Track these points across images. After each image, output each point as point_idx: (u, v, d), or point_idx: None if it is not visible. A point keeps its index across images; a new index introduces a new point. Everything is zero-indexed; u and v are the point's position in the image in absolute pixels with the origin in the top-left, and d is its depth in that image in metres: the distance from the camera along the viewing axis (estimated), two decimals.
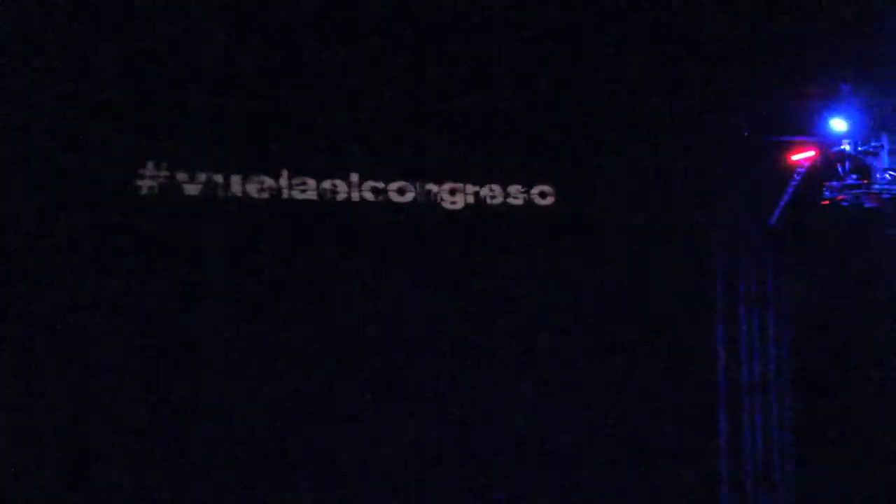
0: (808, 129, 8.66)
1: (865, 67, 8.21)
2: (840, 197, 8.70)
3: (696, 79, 8.48)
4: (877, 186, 8.58)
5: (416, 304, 8.97)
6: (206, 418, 8.85)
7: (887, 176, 8.55)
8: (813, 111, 8.60)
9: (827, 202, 8.76)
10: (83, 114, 8.22)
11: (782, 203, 8.96)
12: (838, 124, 8.53)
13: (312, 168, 8.60)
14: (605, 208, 8.94)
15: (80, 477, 8.57)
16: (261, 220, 8.60)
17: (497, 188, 8.82)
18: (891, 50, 7.96)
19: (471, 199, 8.81)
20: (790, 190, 8.89)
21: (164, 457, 8.74)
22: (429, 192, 8.79)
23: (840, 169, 8.70)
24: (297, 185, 8.57)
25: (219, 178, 8.45)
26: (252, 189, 8.50)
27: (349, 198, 8.63)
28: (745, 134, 8.70)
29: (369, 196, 8.69)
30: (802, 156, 8.70)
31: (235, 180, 8.48)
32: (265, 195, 8.51)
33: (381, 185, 8.72)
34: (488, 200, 8.83)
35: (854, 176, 8.65)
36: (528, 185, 8.84)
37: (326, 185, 8.62)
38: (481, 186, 8.81)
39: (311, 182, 8.60)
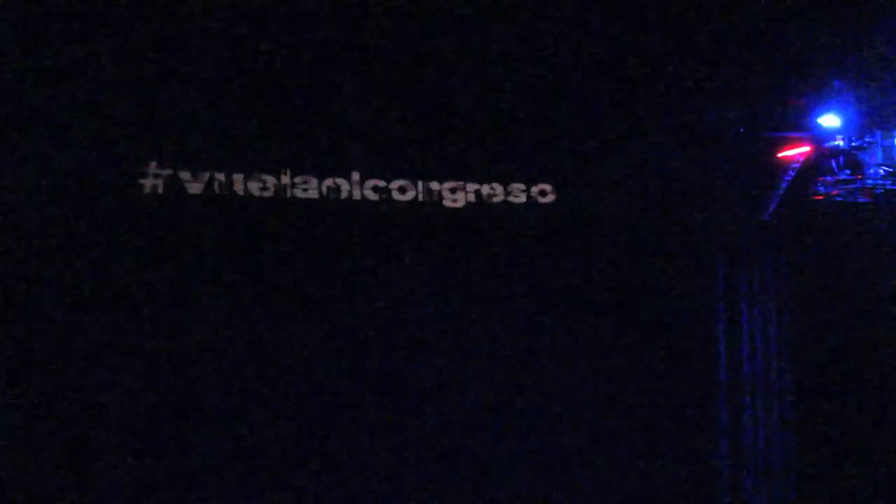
0: (801, 125, 8.81)
1: (858, 65, 8.43)
2: (834, 192, 8.90)
3: (693, 77, 8.60)
4: (870, 181, 8.79)
5: (419, 300, 9.04)
6: (208, 417, 8.81)
7: (880, 171, 8.76)
8: (806, 108, 8.76)
9: (821, 197, 8.97)
10: (86, 114, 8.17)
11: (777, 198, 9.09)
12: (831, 120, 8.69)
13: (315, 167, 8.61)
14: (603, 205, 9.02)
15: (81, 476, 8.50)
16: (264, 219, 8.59)
17: (498, 186, 8.89)
18: (883, 47, 8.21)
19: (472, 198, 8.86)
20: (784, 185, 9.02)
21: (165, 456, 8.69)
22: (430, 190, 8.82)
23: (833, 164, 8.88)
24: (300, 183, 8.59)
25: (221, 177, 8.42)
26: (255, 187, 8.50)
27: (351, 196, 8.65)
28: (741, 130, 8.85)
29: (371, 195, 8.72)
30: (797, 151, 8.85)
31: (238, 179, 8.45)
32: (268, 193, 8.52)
33: (382, 183, 8.74)
34: (489, 199, 8.90)
35: (847, 171, 8.84)
36: (528, 184, 8.91)
37: (329, 183, 8.63)
38: (482, 185, 8.88)
39: (314, 181, 8.61)
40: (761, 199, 9.05)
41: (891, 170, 8.72)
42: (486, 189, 8.89)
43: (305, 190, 8.59)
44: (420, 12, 8.17)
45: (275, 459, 8.97)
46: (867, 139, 8.73)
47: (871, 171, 8.77)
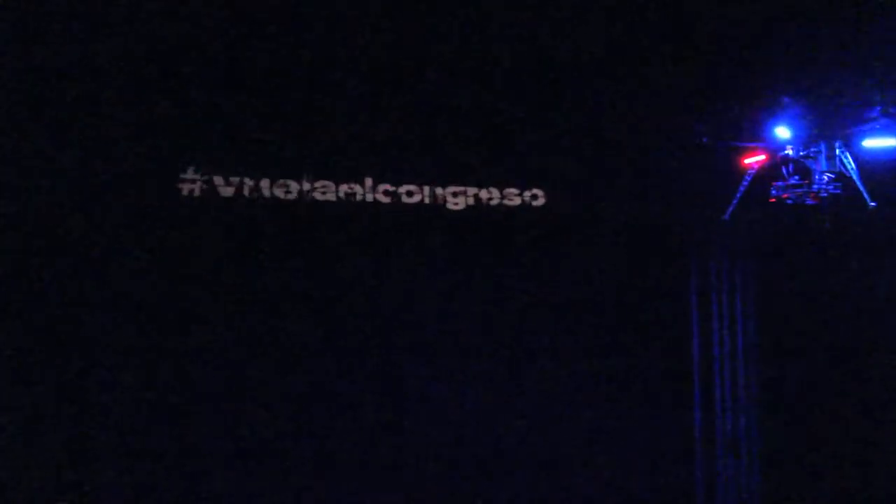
0: (757, 135, 9.38)
1: (806, 83, 9.10)
2: (785, 195, 9.30)
3: (665, 94, 9.32)
4: (816, 186, 9.23)
5: (426, 293, 9.70)
6: (216, 415, 9.29)
7: (825, 177, 9.21)
8: (761, 120, 9.29)
9: (773, 200, 9.41)
10: (130, 123, 8.74)
11: (735, 200, 9.60)
12: (782, 132, 9.25)
13: (333, 173, 9.27)
14: (586, 208, 9.71)
15: (81, 476, 8.88)
16: (286, 219, 9.23)
17: (495, 191, 9.56)
18: (826, 68, 8.91)
19: (471, 201, 9.50)
20: (742, 189, 9.54)
21: (166, 456, 9.07)
22: (435, 194, 9.45)
23: (784, 171, 9.36)
24: (320, 187, 9.26)
25: (249, 182, 9.09)
26: (279, 191, 9.15)
27: (364, 199, 9.29)
28: (705, 140, 9.48)
29: (382, 197, 9.36)
30: (754, 159, 9.42)
31: (264, 183, 9.10)
32: (292, 196, 9.17)
33: (392, 188, 9.39)
34: (487, 201, 9.55)
35: (796, 177, 9.29)
36: (522, 188, 9.58)
37: (345, 187, 9.29)
38: (481, 189, 9.53)
39: (331, 185, 9.28)
40: (722, 201, 9.63)
41: (834, 176, 9.24)
42: (484, 193, 9.56)
43: (324, 193, 9.28)
44: (432, 37, 8.89)
45: (277, 459, 9.37)
46: (814, 149, 9.23)
47: (818, 177, 9.22)
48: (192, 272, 9.23)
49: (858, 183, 9.41)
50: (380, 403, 9.68)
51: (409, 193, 9.46)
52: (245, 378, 9.39)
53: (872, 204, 9.51)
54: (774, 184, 9.42)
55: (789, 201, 9.40)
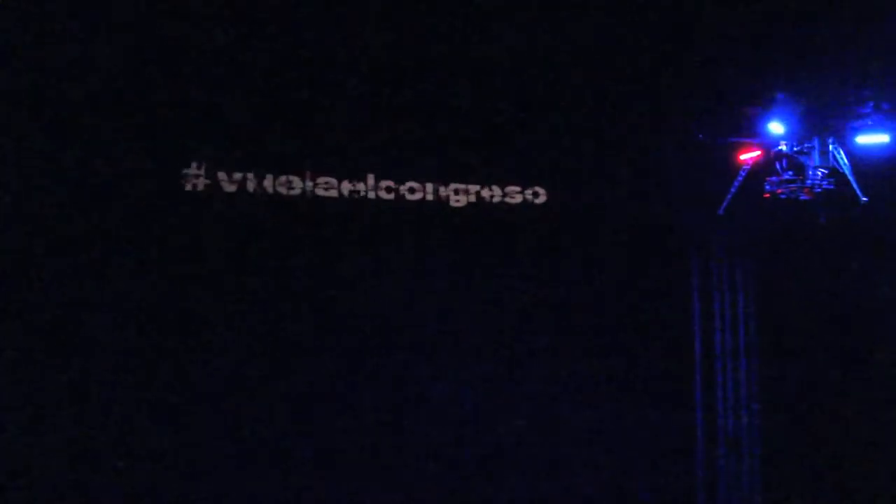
0: (752, 132, 9.49)
1: (799, 79, 9.21)
2: (779, 191, 9.35)
3: (660, 91, 9.48)
4: (809, 182, 9.31)
5: (427, 290, 9.76)
6: (216, 415, 9.26)
7: (818, 173, 9.29)
8: (755, 117, 9.36)
9: (768, 195, 9.45)
10: (125, 118, 8.82)
11: (729, 196, 9.69)
12: (776, 128, 9.35)
13: (336, 169, 9.38)
14: (586, 206, 9.83)
15: (81, 476, 8.84)
16: (288, 216, 9.33)
17: (497, 188, 9.70)
18: (819, 65, 9.04)
19: (473, 198, 9.62)
20: (736, 185, 9.65)
21: (167, 455, 9.06)
22: (437, 191, 9.57)
23: (778, 166, 9.42)
24: (322, 184, 9.36)
25: (251, 178, 9.18)
26: (282, 187, 9.26)
27: (367, 195, 9.41)
28: (700, 136, 9.61)
29: (384, 194, 9.47)
30: (750, 155, 9.54)
31: (267, 180, 9.19)
32: (295, 192, 9.26)
33: (394, 184, 9.50)
34: (489, 199, 9.67)
35: (790, 172, 9.35)
36: (523, 186, 9.73)
37: (347, 184, 9.39)
38: (483, 187, 9.66)
39: (334, 181, 9.38)
40: (720, 198, 9.74)
41: (827, 171, 9.38)
42: (486, 191, 9.69)
43: (327, 190, 9.38)
44: (434, 35, 8.98)
45: (278, 458, 9.37)
46: (807, 144, 9.31)
47: (811, 172, 9.30)
48: (192, 269, 9.24)
49: (851, 178, 9.52)
50: (379, 402, 9.71)
51: (412, 191, 9.56)
52: (245, 377, 9.39)
53: (865, 199, 9.62)
54: (768, 179, 9.49)
55: (783, 196, 9.46)
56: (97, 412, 8.98)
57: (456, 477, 9.78)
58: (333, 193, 9.36)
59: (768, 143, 9.51)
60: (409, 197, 9.53)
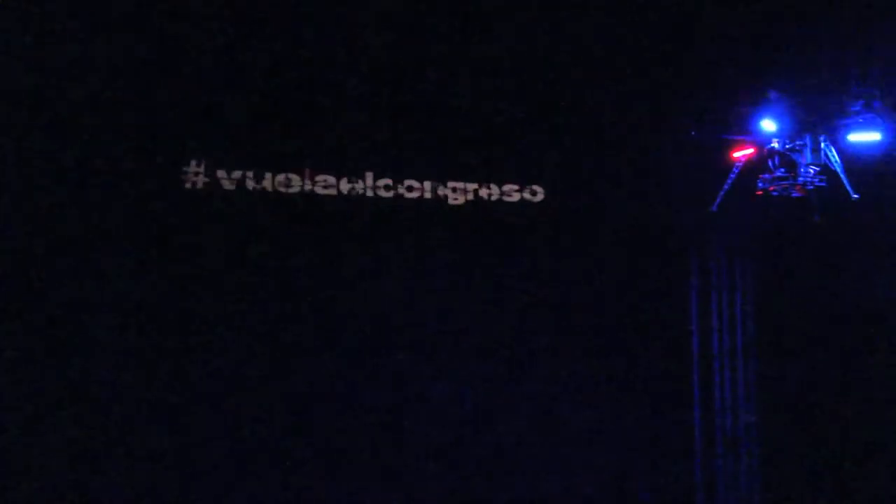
0: (744, 129, 9.42)
1: (791, 77, 9.27)
2: (771, 188, 9.38)
3: (657, 89, 9.61)
4: (801, 179, 9.32)
5: (425, 288, 9.79)
6: (216, 415, 9.26)
7: (810, 170, 9.30)
8: (747, 114, 9.36)
9: (760, 192, 9.49)
10: (125, 118, 8.86)
11: (722, 193, 9.68)
12: (768, 125, 9.32)
13: (334, 167, 9.43)
14: (585, 204, 9.90)
15: (81, 476, 8.84)
16: (287, 214, 9.37)
17: (494, 187, 9.77)
18: (811, 63, 9.19)
19: (471, 197, 9.69)
20: (729, 182, 9.62)
21: (167, 455, 9.06)
22: (435, 189, 9.62)
23: (770, 163, 9.42)
24: (321, 182, 9.41)
25: (250, 175, 9.24)
26: (281, 185, 9.30)
27: (365, 193, 9.46)
28: (693, 133, 9.64)
29: (383, 192, 9.53)
30: (743, 153, 9.54)
31: (266, 178, 9.24)
32: (293, 190, 9.32)
33: (392, 183, 9.55)
34: (487, 197, 9.74)
35: (782, 170, 9.35)
36: (521, 185, 9.78)
37: (346, 182, 9.44)
38: (480, 185, 9.72)
39: (333, 180, 9.44)
40: (714, 196, 9.74)
41: (819, 168, 9.41)
42: (484, 189, 9.75)
43: (325, 188, 9.43)
44: (433, 34, 9.14)
45: (279, 457, 9.37)
46: (799, 142, 9.30)
47: (803, 169, 9.30)
48: (192, 267, 9.28)
49: (842, 176, 9.60)
50: (379, 400, 9.72)
51: (410, 189, 9.62)
52: (245, 377, 9.40)
53: (856, 196, 9.70)
54: (761, 176, 9.53)
55: (775, 193, 9.52)
56: (97, 412, 8.98)
57: (456, 477, 9.78)
58: (332, 192, 9.42)
59: (761, 141, 9.57)
60: (407, 195, 9.59)
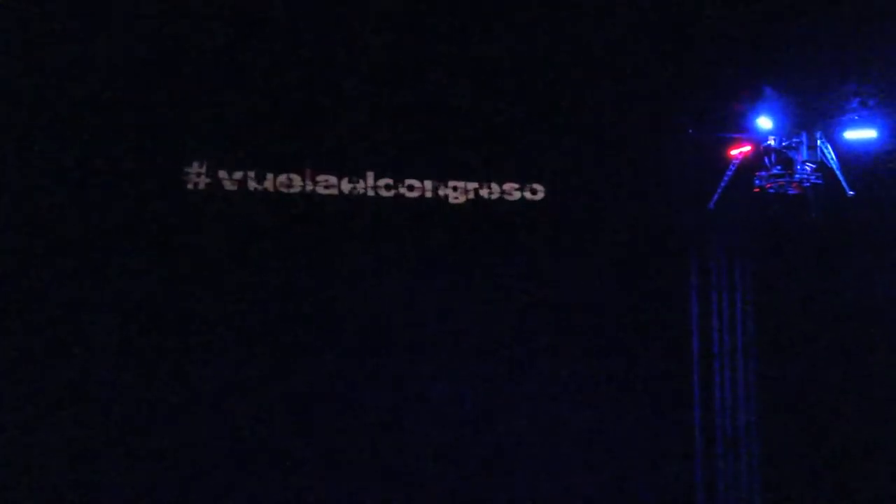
0: (740, 127, 9.55)
1: (787, 75, 9.34)
2: (768, 185, 9.46)
3: (657, 88, 9.63)
4: (798, 176, 9.43)
5: (425, 288, 9.77)
6: (216, 415, 9.25)
7: (807, 167, 9.42)
8: (744, 112, 9.46)
9: (757, 190, 9.57)
10: (126, 118, 8.89)
11: (719, 190, 9.78)
12: (765, 123, 9.45)
13: (335, 167, 9.46)
14: (585, 202, 9.92)
15: (81, 476, 8.85)
16: (289, 213, 9.40)
17: (495, 186, 9.79)
18: (806, 61, 9.26)
19: (471, 195, 9.71)
20: (726, 179, 9.69)
21: (167, 455, 9.06)
22: (436, 189, 9.64)
23: (767, 161, 9.53)
24: (322, 182, 9.44)
25: (252, 176, 9.27)
26: (282, 185, 9.33)
27: (366, 193, 9.49)
28: (690, 131, 9.68)
29: (384, 192, 9.55)
30: (740, 150, 9.61)
31: (268, 177, 9.29)
32: (294, 190, 9.35)
33: (393, 182, 9.58)
34: (487, 196, 9.77)
35: (779, 167, 9.46)
36: (521, 183, 9.80)
37: (347, 182, 9.48)
38: (481, 184, 9.75)
39: (334, 179, 9.47)
40: (708, 191, 9.84)
41: (815, 166, 9.52)
42: (484, 188, 9.77)
43: (326, 188, 9.46)
44: (433, 33, 9.19)
45: (279, 457, 9.37)
46: (795, 139, 9.43)
47: (799, 167, 9.42)
48: (194, 267, 9.29)
49: (838, 173, 9.68)
50: (379, 400, 9.72)
51: (411, 188, 9.65)
52: (245, 377, 9.40)
53: (851, 193, 9.76)
54: (758, 174, 9.61)
55: (772, 190, 9.59)
56: (97, 412, 8.97)
57: (456, 477, 9.76)
58: (333, 191, 9.45)
59: (757, 138, 9.64)
60: (408, 195, 9.61)
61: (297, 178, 9.39)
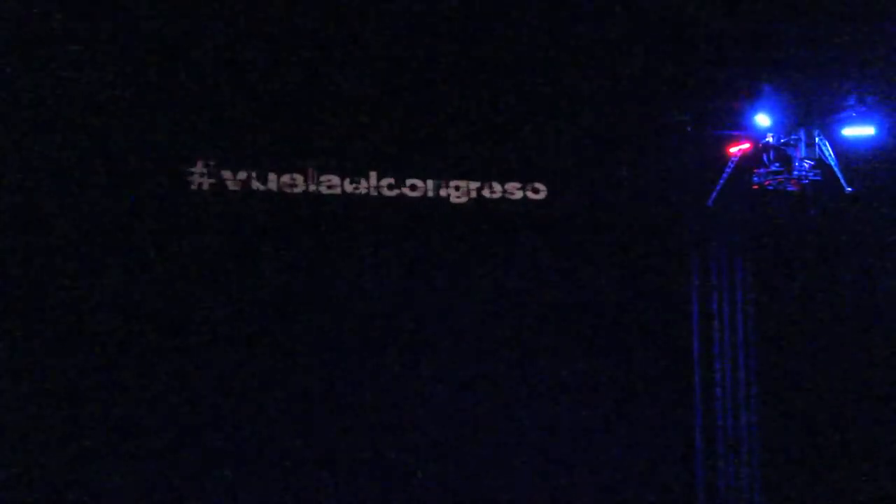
0: (738, 124, 9.52)
1: (785, 72, 9.36)
2: (766, 182, 9.41)
3: (657, 87, 9.59)
4: (796, 173, 9.40)
5: (427, 286, 9.81)
6: (216, 414, 9.27)
7: (805, 164, 9.38)
8: (742, 110, 9.45)
9: (756, 187, 9.53)
10: (129, 118, 8.90)
11: (718, 187, 9.76)
12: (763, 120, 9.43)
13: (338, 167, 9.47)
14: (587, 201, 9.94)
15: (81, 476, 8.85)
16: (292, 213, 9.44)
17: (496, 185, 9.81)
18: (804, 57, 9.22)
19: (473, 195, 9.73)
20: (724, 177, 9.70)
21: (167, 455, 9.06)
22: (437, 188, 9.65)
23: (765, 158, 9.50)
24: (325, 181, 9.46)
25: (255, 176, 9.28)
26: (285, 185, 9.35)
27: (369, 192, 9.49)
28: (689, 129, 9.74)
29: (386, 191, 9.56)
30: (739, 147, 9.61)
31: (272, 177, 9.31)
32: (298, 189, 9.37)
33: (395, 182, 9.58)
34: (489, 195, 9.80)
35: (777, 164, 9.42)
36: (523, 183, 9.82)
37: (349, 181, 9.49)
38: (482, 184, 9.77)
39: (336, 179, 9.49)
40: (707, 189, 9.84)
41: (814, 163, 9.47)
42: (486, 188, 9.79)
43: (329, 188, 9.48)
44: (435, 33, 9.09)
45: (280, 457, 9.38)
46: (793, 136, 9.39)
47: (798, 164, 9.38)
48: (197, 267, 9.30)
49: (836, 170, 9.70)
50: (379, 400, 9.72)
51: (413, 188, 9.66)
52: (245, 376, 9.41)
53: (849, 189, 9.80)
54: (756, 171, 9.60)
55: (770, 188, 9.56)
56: (97, 412, 8.96)
57: (456, 477, 9.77)
58: (336, 191, 9.46)
59: (756, 136, 9.66)
60: (410, 194, 9.63)
61: (300, 179, 9.40)
